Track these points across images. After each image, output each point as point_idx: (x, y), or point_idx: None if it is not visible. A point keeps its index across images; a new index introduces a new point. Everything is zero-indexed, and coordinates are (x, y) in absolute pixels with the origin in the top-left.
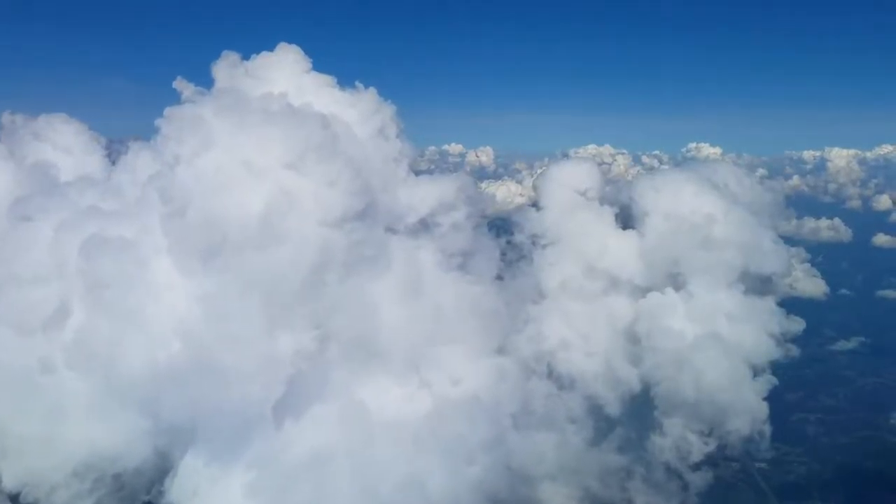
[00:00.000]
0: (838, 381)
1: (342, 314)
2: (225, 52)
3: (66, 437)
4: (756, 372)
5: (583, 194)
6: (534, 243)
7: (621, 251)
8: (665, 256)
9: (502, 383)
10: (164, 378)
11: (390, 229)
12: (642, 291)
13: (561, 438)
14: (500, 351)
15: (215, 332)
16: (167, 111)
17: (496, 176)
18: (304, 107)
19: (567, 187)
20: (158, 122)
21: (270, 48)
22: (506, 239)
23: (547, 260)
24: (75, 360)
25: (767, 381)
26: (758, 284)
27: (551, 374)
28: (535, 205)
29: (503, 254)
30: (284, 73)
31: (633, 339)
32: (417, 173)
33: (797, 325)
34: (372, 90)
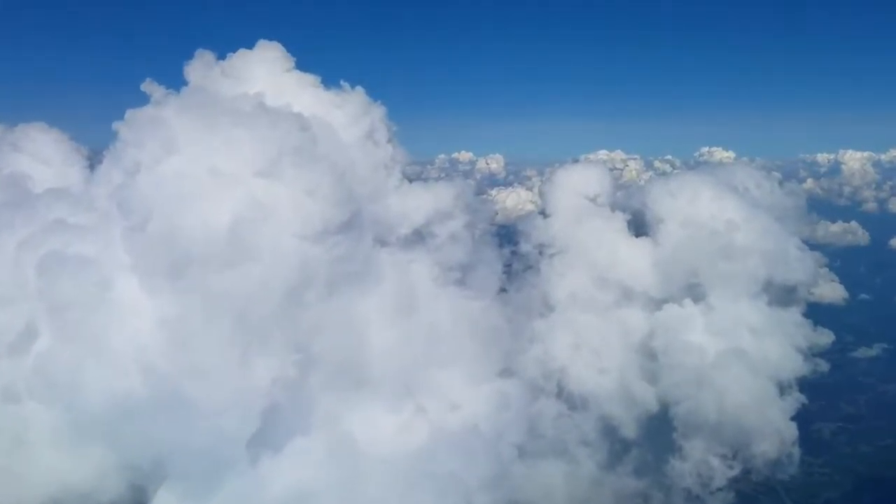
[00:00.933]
0: (859, 388)
1: (325, 337)
2: (199, 52)
3: (34, 471)
4: (782, 389)
5: (592, 200)
6: (541, 253)
7: (634, 260)
8: (682, 266)
9: (506, 410)
10: (128, 411)
11: (381, 241)
12: (658, 303)
13: (572, 465)
14: (505, 371)
15: (181, 359)
16: (128, 114)
17: (507, 183)
18: (282, 107)
19: (575, 193)
20: (116, 125)
21: None
22: (510, 249)
23: (555, 270)
24: (36, 388)
25: (795, 399)
26: (782, 295)
27: (561, 394)
28: (542, 212)
29: (508, 264)
30: (263, 72)
31: (649, 355)
32: (426, 181)
33: (825, 337)
34: (359, 90)
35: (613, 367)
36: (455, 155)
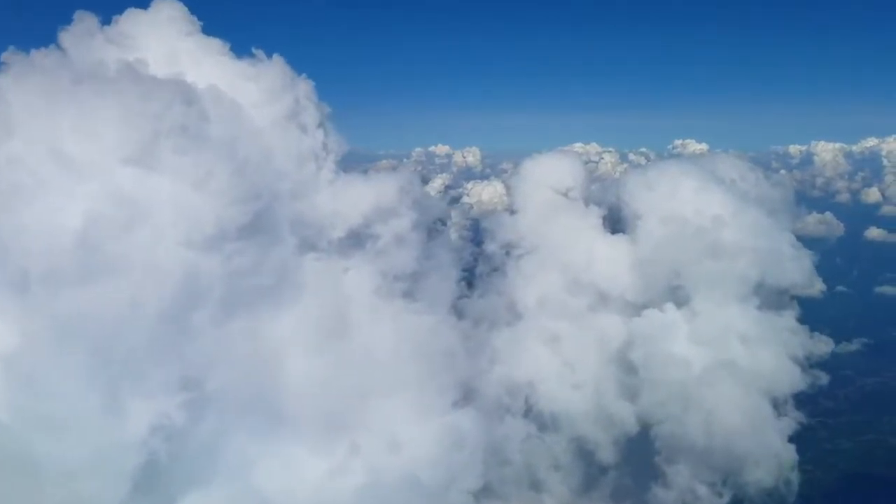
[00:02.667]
0: (838, 382)
1: (225, 368)
2: (78, 13)
3: None
4: (778, 406)
5: (564, 194)
6: (507, 253)
7: (610, 260)
8: (663, 266)
9: (459, 449)
10: None
11: (309, 246)
12: (637, 309)
13: (541, 493)
14: (462, 397)
15: (26, 405)
16: None
17: (483, 176)
18: (167, 77)
19: (546, 186)
20: None
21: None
22: (470, 251)
23: (523, 273)
24: None
25: (793, 418)
26: (774, 297)
27: (529, 413)
28: (510, 208)
29: (472, 267)
30: (157, 37)
31: (627, 368)
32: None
33: (823, 345)
34: (278, 59)
35: (588, 381)
36: (432, 148)
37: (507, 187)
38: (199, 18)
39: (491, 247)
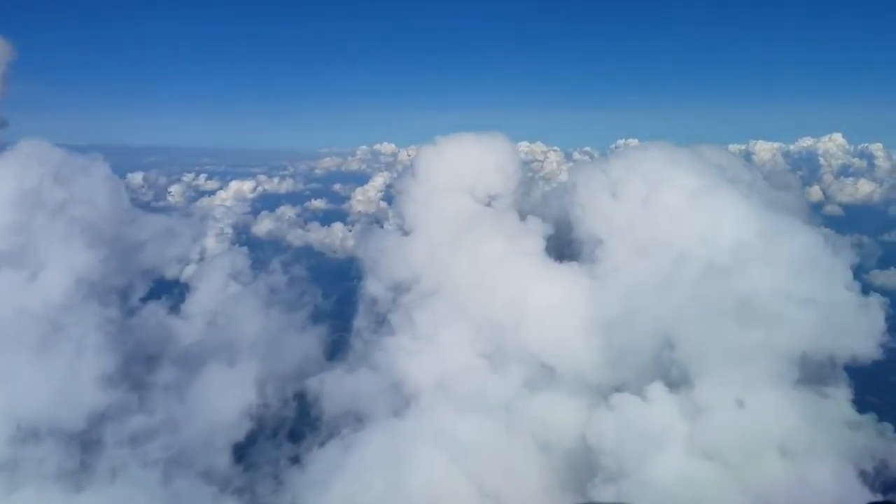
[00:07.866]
0: None
1: None
2: None
3: None
4: None
5: (487, 203)
6: (395, 299)
7: (558, 311)
8: (643, 324)
9: None
10: None
11: None
12: (601, 392)
13: None
14: None
15: None
16: None
17: None
18: None
19: (457, 190)
20: None
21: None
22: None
23: (417, 330)
24: None
25: None
26: (815, 369)
27: None
28: (400, 226)
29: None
30: None
31: (585, 496)
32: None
33: None
34: None
35: None
36: (377, 146)
37: (398, 192)
38: None
39: (373, 287)
